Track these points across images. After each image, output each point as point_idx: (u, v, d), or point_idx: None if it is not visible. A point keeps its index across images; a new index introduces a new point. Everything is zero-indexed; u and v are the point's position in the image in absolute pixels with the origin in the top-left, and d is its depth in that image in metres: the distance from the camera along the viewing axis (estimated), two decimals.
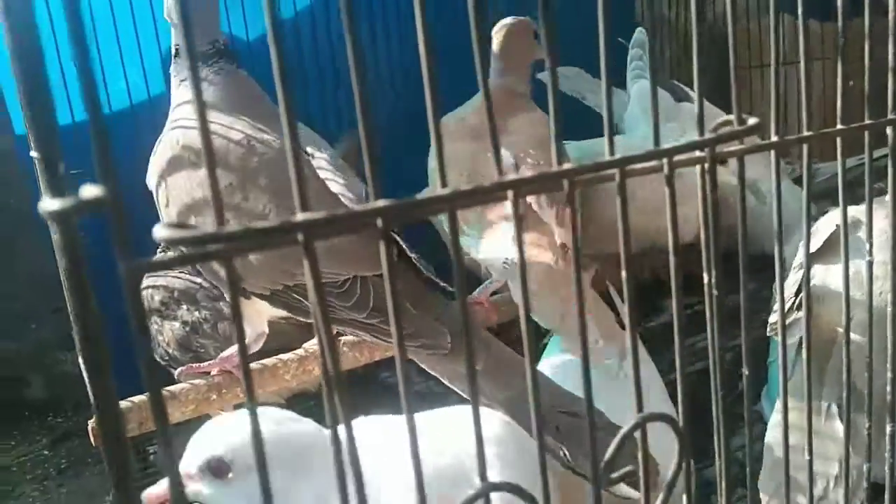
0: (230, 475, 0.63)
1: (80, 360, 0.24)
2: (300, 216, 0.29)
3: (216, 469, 0.63)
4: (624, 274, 0.40)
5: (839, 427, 0.73)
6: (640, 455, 0.41)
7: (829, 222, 0.86)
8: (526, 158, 1.09)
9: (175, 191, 0.87)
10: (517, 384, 0.79)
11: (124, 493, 0.27)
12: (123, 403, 0.84)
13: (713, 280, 0.43)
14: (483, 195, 0.34)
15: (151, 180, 0.91)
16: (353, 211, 0.31)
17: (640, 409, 0.41)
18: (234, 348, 0.96)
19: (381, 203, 0.31)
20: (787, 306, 0.84)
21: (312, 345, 0.96)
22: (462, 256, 0.35)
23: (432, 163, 1.17)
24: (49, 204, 0.24)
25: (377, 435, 0.67)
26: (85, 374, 0.24)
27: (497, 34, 1.21)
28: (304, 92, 1.60)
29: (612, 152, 0.38)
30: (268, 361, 0.97)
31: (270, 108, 0.91)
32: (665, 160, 0.39)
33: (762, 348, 1.25)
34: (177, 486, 0.27)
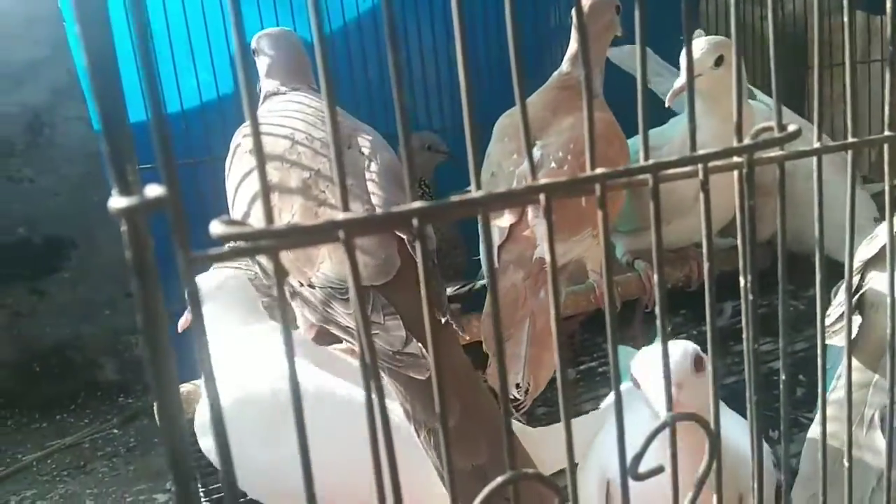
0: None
1: (144, 344, 0.27)
2: (341, 216, 0.32)
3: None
4: (656, 278, 0.41)
5: (880, 439, 0.71)
6: (669, 454, 0.42)
7: (886, 230, 0.84)
8: (552, 162, 1.08)
9: (242, 189, 0.92)
10: (484, 452, 0.74)
11: (181, 471, 0.29)
12: (183, 386, 0.89)
13: (748, 284, 0.44)
14: (515, 198, 0.36)
15: (227, 181, 0.98)
16: (390, 212, 0.33)
17: (669, 408, 0.42)
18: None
19: (416, 204, 0.33)
20: (839, 311, 0.82)
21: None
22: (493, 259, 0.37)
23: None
24: (117, 202, 0.27)
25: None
26: (147, 357, 0.27)
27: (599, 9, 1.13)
28: (352, 94, 1.64)
29: (646, 157, 0.39)
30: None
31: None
32: (700, 166, 0.40)
33: (811, 357, 1.22)
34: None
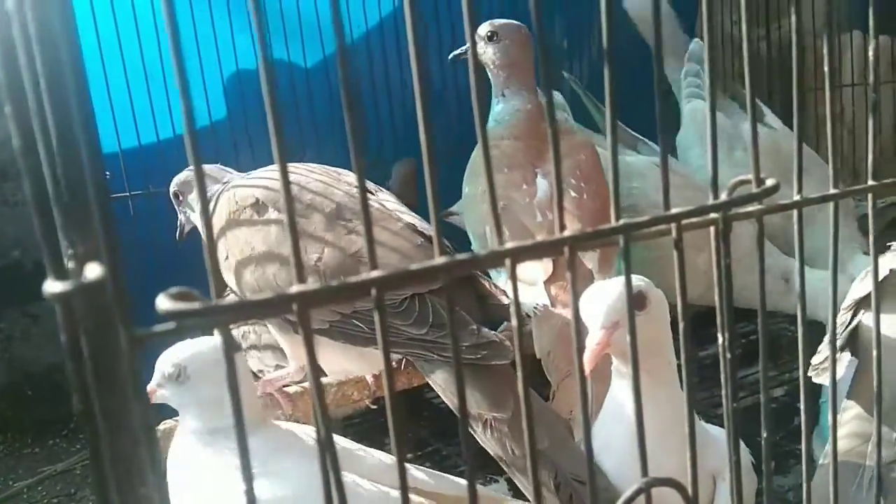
0: (184, 379, 0.78)
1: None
2: (294, 288, 0.31)
3: (175, 375, 0.78)
4: (629, 338, 0.40)
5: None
6: None
7: (882, 266, 0.81)
8: (569, 189, 1.07)
9: (234, 244, 0.91)
10: (541, 442, 0.77)
11: None
12: (165, 423, 0.87)
13: (727, 342, 0.43)
14: (481, 263, 0.35)
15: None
16: (346, 282, 0.32)
17: (644, 472, 0.40)
18: (278, 373, 0.99)
19: (374, 274, 0.32)
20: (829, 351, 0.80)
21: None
22: (519, 305, 0.36)
23: (466, 188, 1.18)
24: (52, 286, 0.26)
25: None
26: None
27: (511, 42, 1.11)
28: (360, 116, 1.64)
29: (617, 217, 0.38)
30: (308, 385, 0.99)
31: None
32: (674, 225, 0.39)
33: (815, 385, 1.21)
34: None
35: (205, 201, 0.31)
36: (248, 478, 0.31)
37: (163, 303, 0.29)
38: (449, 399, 0.84)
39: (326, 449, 0.31)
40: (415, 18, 0.33)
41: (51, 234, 0.26)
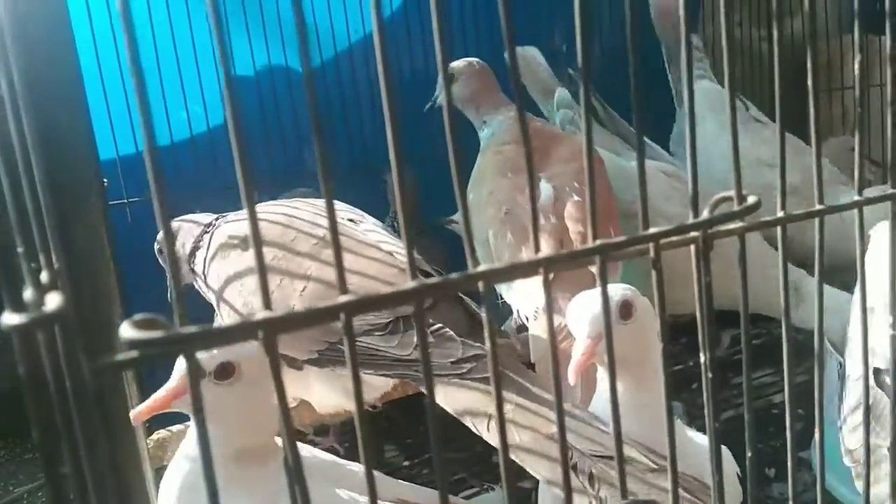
0: (234, 380, 0.69)
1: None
2: (260, 315, 0.30)
3: (223, 373, 0.69)
4: (606, 360, 0.39)
5: None
6: None
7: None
8: (572, 193, 1.07)
9: (225, 279, 0.93)
10: (550, 426, 0.76)
11: None
12: (158, 433, 0.87)
13: (707, 362, 0.42)
14: (452, 285, 0.34)
15: (199, 266, 0.98)
16: (315, 308, 0.31)
17: (623, 495, 0.40)
18: None
19: (343, 299, 0.32)
20: (859, 441, 0.74)
21: None
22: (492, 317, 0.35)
23: (470, 194, 1.18)
24: (9, 318, 0.25)
25: None
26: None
27: (467, 77, 1.23)
28: (359, 122, 1.64)
29: (594, 237, 0.38)
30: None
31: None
32: (651, 245, 0.39)
33: (811, 390, 1.20)
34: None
35: (164, 203, 0.31)
36: None
37: (126, 331, 0.29)
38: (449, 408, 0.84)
39: (296, 481, 0.31)
40: (383, 40, 0.33)
41: (7, 261, 0.26)
